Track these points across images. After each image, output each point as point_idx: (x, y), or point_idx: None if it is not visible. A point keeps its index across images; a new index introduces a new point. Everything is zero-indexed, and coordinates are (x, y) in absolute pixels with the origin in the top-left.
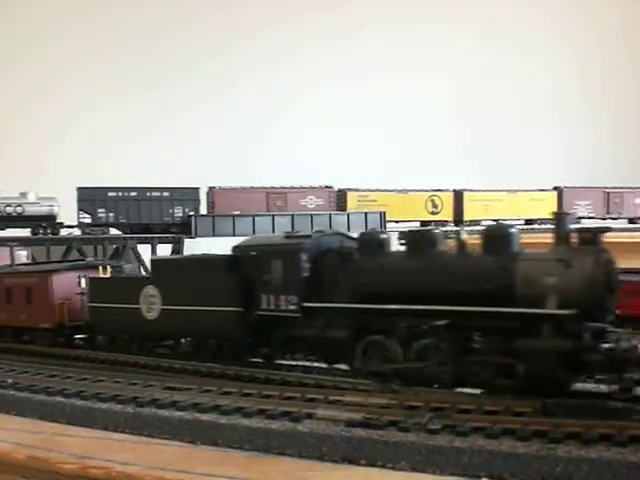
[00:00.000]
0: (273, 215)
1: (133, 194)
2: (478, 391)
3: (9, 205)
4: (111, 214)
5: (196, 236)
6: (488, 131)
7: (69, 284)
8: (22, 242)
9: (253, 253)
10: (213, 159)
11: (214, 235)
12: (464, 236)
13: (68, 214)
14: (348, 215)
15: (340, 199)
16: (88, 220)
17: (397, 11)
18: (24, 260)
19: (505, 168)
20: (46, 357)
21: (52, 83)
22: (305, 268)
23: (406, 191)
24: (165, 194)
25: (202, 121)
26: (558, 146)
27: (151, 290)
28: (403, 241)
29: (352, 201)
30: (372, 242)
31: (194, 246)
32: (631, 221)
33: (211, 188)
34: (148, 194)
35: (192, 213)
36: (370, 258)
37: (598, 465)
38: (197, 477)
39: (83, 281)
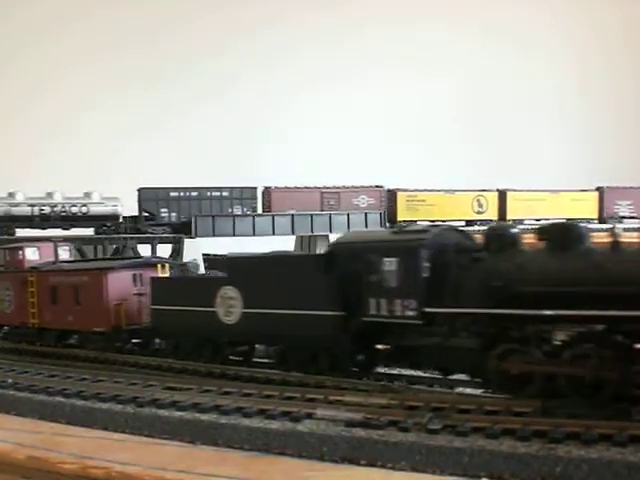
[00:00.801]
0: (273, 215)
1: (194, 194)
2: (479, 391)
3: (74, 205)
4: (173, 213)
5: (196, 236)
6: (489, 131)
7: (125, 284)
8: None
9: (357, 251)
10: (213, 159)
11: (214, 235)
12: (618, 231)
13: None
14: (348, 215)
15: (390, 199)
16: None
17: (397, 11)
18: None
19: (505, 168)
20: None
21: (52, 83)
22: (425, 268)
23: (453, 191)
24: (225, 194)
25: (202, 121)
26: (558, 146)
27: (230, 292)
28: (544, 236)
29: (401, 201)
30: (503, 238)
31: (194, 246)
32: None
33: (267, 188)
34: (208, 194)
35: (250, 212)
36: (503, 256)
37: (598, 465)
38: (197, 477)
39: (141, 280)
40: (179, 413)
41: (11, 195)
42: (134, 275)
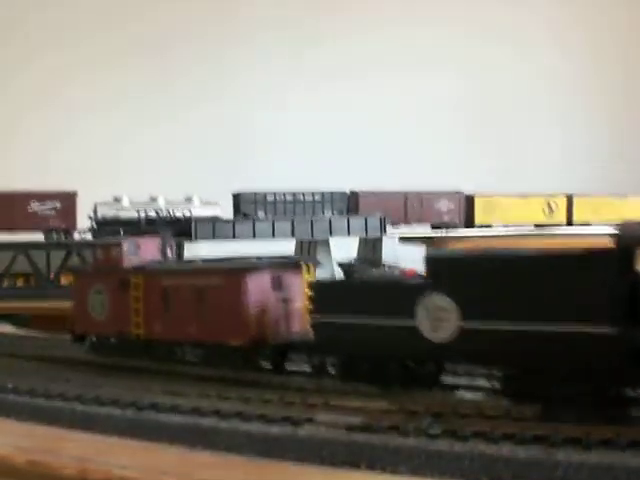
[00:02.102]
0: (273, 220)
1: (289, 198)
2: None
3: (177, 209)
4: (270, 216)
5: (196, 239)
6: (494, 131)
7: (264, 287)
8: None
9: None
10: (213, 159)
11: (214, 238)
12: None
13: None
14: (348, 219)
15: (468, 203)
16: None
17: None
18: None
19: (510, 169)
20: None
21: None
22: None
23: (525, 195)
24: (317, 197)
25: (202, 121)
26: (560, 147)
27: (439, 300)
28: None
29: (479, 205)
30: None
31: (194, 249)
32: None
33: (353, 192)
34: (302, 197)
35: (338, 214)
36: None
37: (598, 469)
38: None
39: (280, 283)
40: (179, 417)
41: (117, 200)
42: (273, 277)
